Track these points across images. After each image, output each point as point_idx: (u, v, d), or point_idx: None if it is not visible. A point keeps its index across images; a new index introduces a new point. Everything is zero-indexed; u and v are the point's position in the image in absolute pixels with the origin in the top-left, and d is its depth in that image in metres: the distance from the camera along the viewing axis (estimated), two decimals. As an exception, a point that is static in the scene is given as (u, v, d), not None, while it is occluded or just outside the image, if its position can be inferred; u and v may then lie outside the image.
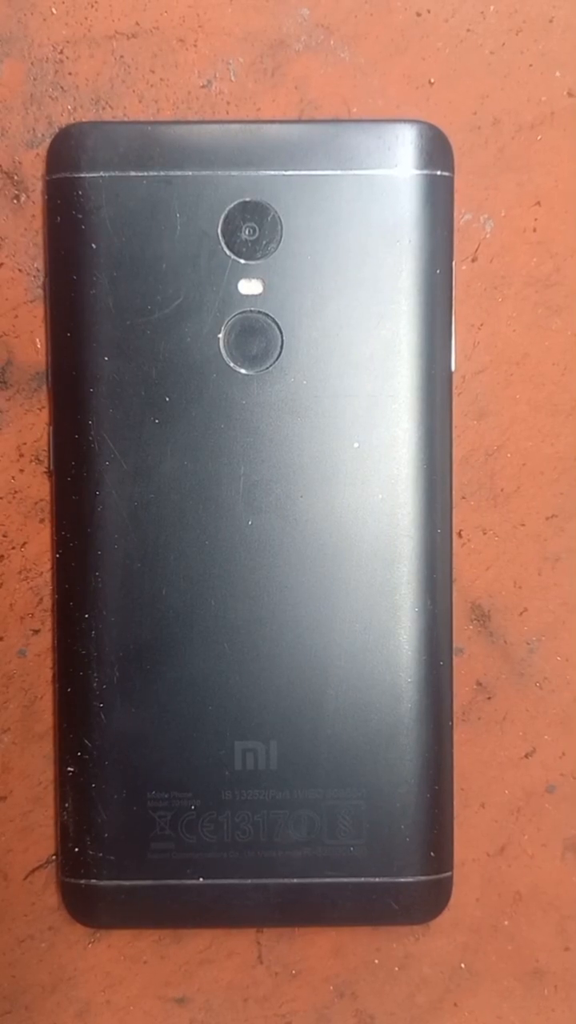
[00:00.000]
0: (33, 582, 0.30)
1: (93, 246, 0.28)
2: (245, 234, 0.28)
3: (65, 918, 0.30)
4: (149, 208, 0.28)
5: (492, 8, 0.30)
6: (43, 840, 0.30)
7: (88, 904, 0.29)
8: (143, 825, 0.28)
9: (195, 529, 0.28)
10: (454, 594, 0.30)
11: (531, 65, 0.30)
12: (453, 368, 0.29)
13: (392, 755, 0.28)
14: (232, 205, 0.28)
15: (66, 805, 0.29)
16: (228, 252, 0.28)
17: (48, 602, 0.30)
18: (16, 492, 0.30)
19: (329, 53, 0.30)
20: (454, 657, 0.29)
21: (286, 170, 0.28)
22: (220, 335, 0.28)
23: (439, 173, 0.28)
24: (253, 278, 0.28)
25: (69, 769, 0.29)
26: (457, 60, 0.30)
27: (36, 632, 0.30)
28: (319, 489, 0.28)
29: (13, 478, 0.30)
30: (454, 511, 0.30)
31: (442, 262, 0.28)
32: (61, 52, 0.29)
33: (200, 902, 0.28)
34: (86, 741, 0.28)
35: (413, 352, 0.28)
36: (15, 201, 0.30)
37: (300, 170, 0.28)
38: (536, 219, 0.30)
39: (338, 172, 0.28)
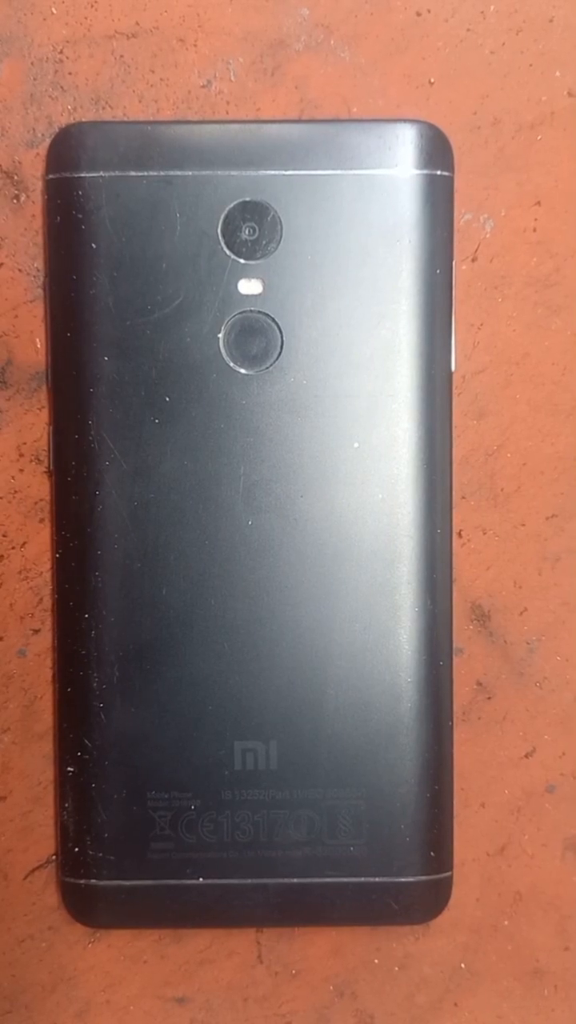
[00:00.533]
0: (33, 582, 0.30)
1: (93, 246, 0.28)
2: (245, 234, 0.28)
3: (65, 918, 0.30)
4: (149, 208, 0.28)
5: (492, 8, 0.30)
6: (43, 840, 0.30)
7: (88, 904, 0.29)
8: (143, 825, 0.28)
9: (195, 529, 0.28)
10: (454, 594, 0.30)
11: (531, 65, 0.30)
12: (453, 368, 0.29)
13: (392, 755, 0.28)
14: (232, 205, 0.28)
15: (66, 805, 0.29)
16: (228, 252, 0.28)
17: (48, 602, 0.30)
18: (16, 492, 0.30)
19: (329, 53, 0.30)
20: (454, 657, 0.29)
21: (286, 170, 0.28)
22: (220, 335, 0.28)
23: (439, 173, 0.28)
24: (253, 278, 0.28)
25: (69, 769, 0.29)
26: (457, 60, 0.30)
27: (36, 632, 0.30)
28: (319, 489, 0.28)
29: (13, 478, 0.30)
30: (454, 511, 0.30)
31: (442, 262, 0.28)
32: (61, 52, 0.29)
33: (200, 902, 0.28)
34: (86, 741, 0.28)
35: (413, 352, 0.28)
36: (15, 201, 0.30)
37: (300, 170, 0.28)
38: (536, 219, 0.30)
39: (338, 172, 0.28)
